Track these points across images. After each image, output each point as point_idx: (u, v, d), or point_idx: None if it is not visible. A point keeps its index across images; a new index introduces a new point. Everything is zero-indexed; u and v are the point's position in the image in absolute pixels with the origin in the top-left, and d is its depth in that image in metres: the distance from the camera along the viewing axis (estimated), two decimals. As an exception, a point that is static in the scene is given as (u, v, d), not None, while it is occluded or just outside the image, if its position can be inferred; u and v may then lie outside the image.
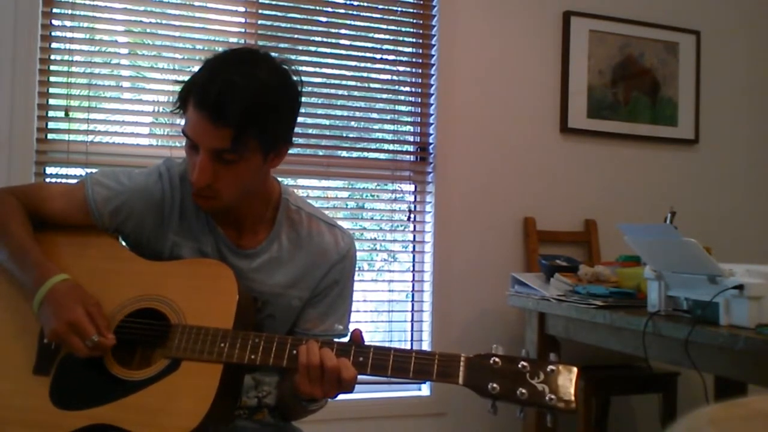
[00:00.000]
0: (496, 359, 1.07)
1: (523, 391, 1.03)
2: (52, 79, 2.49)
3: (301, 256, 1.36)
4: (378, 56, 2.93)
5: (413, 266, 2.94)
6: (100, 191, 1.31)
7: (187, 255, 1.33)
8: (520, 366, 1.05)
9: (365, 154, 2.92)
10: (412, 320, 2.92)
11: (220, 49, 1.30)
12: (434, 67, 2.92)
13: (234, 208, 1.30)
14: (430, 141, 2.92)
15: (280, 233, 1.36)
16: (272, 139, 1.23)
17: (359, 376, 1.13)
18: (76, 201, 1.32)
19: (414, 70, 2.94)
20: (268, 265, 1.35)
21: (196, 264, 1.31)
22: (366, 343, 1.15)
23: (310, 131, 2.82)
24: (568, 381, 1.03)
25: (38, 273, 1.23)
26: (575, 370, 1.04)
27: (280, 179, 1.44)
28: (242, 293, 1.24)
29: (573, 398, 1.01)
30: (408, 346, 2.91)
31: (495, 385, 1.04)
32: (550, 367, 1.04)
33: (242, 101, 1.16)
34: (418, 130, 2.94)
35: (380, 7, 2.89)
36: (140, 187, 1.32)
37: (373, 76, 2.94)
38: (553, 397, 1.02)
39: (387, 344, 2.97)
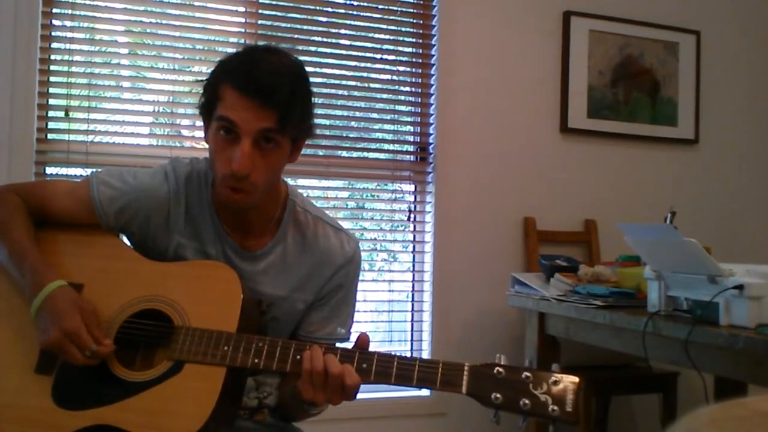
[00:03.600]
0: (500, 369, 1.07)
1: (526, 401, 1.04)
2: (52, 79, 2.49)
3: (306, 259, 1.36)
4: (378, 56, 2.93)
5: (413, 266, 2.94)
6: (105, 191, 1.31)
7: (191, 256, 1.33)
8: (523, 376, 1.06)
9: (365, 154, 2.92)
10: (412, 320, 2.92)
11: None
12: (434, 67, 2.92)
13: (249, 206, 1.30)
14: (430, 141, 2.92)
15: (286, 235, 1.36)
16: (305, 124, 1.26)
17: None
18: (81, 200, 1.32)
19: (414, 70, 2.94)
20: (273, 268, 1.34)
21: (201, 266, 1.30)
22: (370, 350, 1.15)
23: (310, 131, 2.82)
24: (570, 391, 1.04)
25: (35, 279, 1.22)
26: (577, 380, 1.05)
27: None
28: (246, 296, 1.24)
29: (575, 409, 1.03)
30: (408, 347, 2.92)
31: (498, 395, 1.05)
32: (553, 377, 1.05)
33: (289, 81, 1.20)
34: (418, 130, 2.94)
35: (380, 7, 2.89)
36: (146, 187, 1.31)
37: (373, 76, 2.94)
38: (555, 408, 1.03)
39: (387, 344, 2.97)
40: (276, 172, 1.27)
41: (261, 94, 1.17)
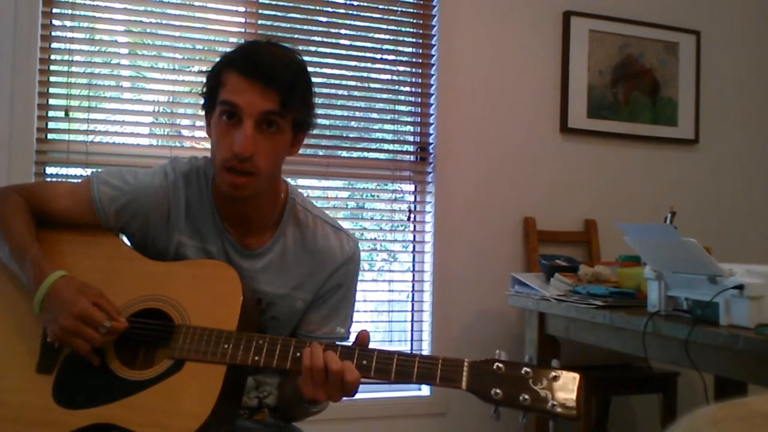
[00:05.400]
0: (500, 365, 1.07)
1: (526, 397, 1.04)
2: (52, 79, 2.49)
3: (305, 258, 1.36)
4: (378, 56, 2.93)
5: (413, 266, 2.94)
6: (105, 191, 1.31)
7: (192, 255, 1.33)
8: (522, 372, 1.06)
9: (365, 154, 2.92)
10: (412, 320, 2.92)
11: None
12: (434, 67, 2.93)
13: (248, 202, 1.30)
14: (430, 141, 2.92)
15: (286, 233, 1.36)
16: (306, 111, 1.28)
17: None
18: (82, 200, 1.32)
19: (414, 70, 2.94)
20: (272, 266, 1.35)
21: (201, 265, 1.31)
22: (369, 347, 1.15)
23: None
24: (570, 388, 1.04)
25: (37, 271, 1.23)
26: (578, 376, 1.05)
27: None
28: (246, 295, 1.24)
29: (575, 405, 1.02)
30: (408, 346, 2.92)
31: (498, 390, 1.05)
32: (553, 373, 1.05)
33: (290, 67, 1.23)
34: (418, 130, 2.94)
35: (380, 7, 2.89)
36: (146, 187, 1.32)
37: (373, 76, 2.94)
38: (555, 403, 1.03)
39: (387, 344, 2.97)
40: (277, 158, 1.28)
41: (263, 75, 1.19)
